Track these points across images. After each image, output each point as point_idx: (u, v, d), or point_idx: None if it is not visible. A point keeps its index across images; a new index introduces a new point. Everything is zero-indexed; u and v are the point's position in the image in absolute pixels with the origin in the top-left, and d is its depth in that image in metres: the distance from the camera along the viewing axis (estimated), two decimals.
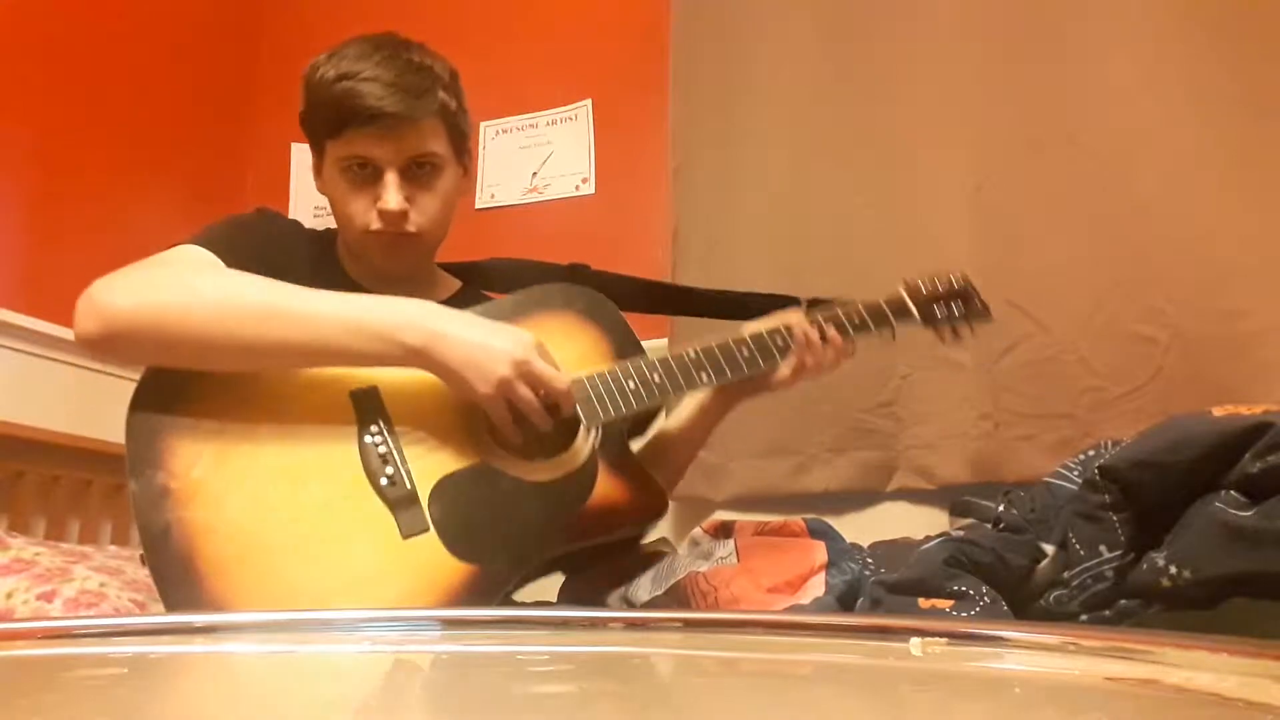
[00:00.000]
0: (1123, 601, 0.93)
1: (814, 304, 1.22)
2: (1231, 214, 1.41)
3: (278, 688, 0.49)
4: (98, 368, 1.96)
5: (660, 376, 1.06)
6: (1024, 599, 1.01)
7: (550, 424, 0.99)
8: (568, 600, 1.15)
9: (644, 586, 1.12)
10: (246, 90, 2.35)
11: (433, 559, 0.92)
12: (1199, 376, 1.38)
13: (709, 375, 1.10)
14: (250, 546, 0.90)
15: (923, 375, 1.56)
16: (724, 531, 1.20)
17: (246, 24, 2.46)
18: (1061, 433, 1.45)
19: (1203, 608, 0.84)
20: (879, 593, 0.99)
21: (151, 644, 0.57)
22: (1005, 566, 1.01)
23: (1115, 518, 0.95)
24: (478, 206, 2.10)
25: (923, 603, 0.95)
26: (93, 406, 1.89)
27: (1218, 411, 0.93)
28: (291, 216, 1.24)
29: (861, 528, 1.47)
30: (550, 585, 1.20)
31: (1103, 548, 0.95)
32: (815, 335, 1.16)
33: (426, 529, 0.93)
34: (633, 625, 0.63)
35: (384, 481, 0.94)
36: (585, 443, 1.03)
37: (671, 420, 1.27)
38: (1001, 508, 1.10)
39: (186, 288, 0.98)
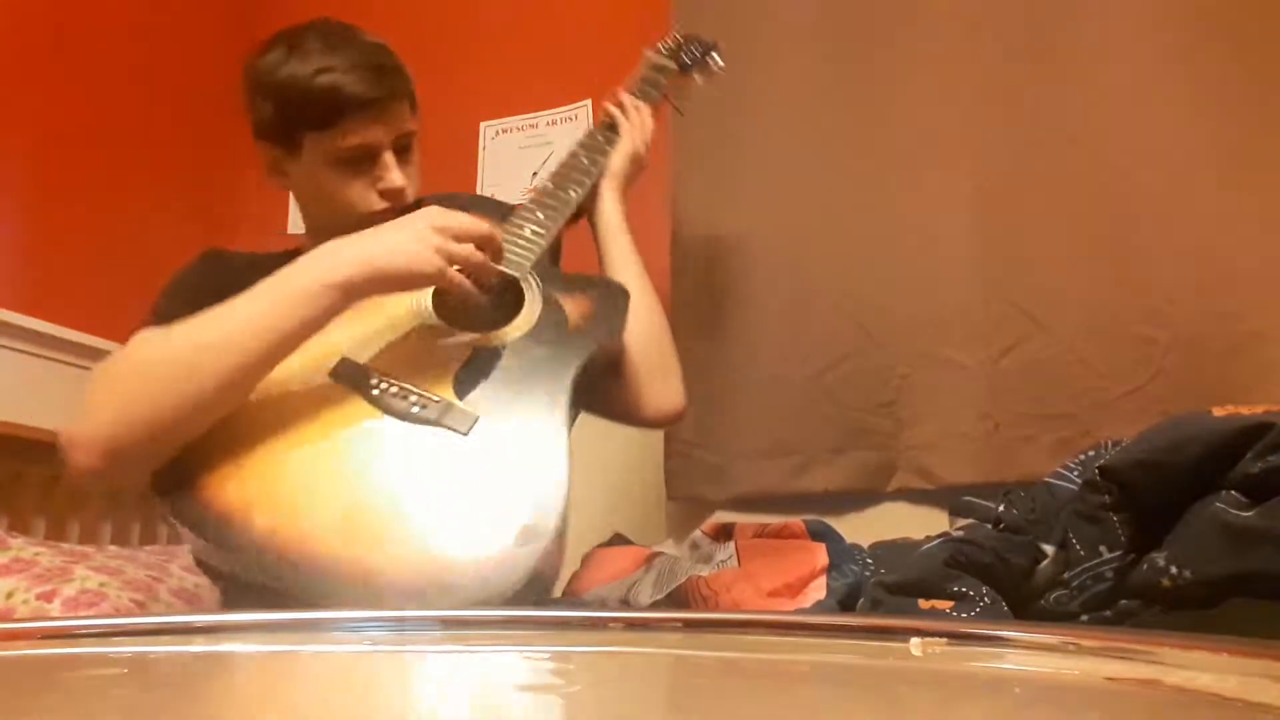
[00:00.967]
0: (1123, 601, 0.93)
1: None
2: (1232, 214, 1.41)
3: (278, 688, 0.49)
4: None
5: (543, 211, 1.19)
6: (1024, 599, 1.01)
7: (497, 271, 1.05)
8: (569, 600, 1.16)
9: (645, 590, 1.12)
10: None
11: (497, 435, 0.96)
12: (1199, 376, 1.38)
13: (575, 188, 1.25)
14: (359, 530, 0.89)
15: (923, 375, 1.56)
16: (724, 534, 1.20)
17: (246, 24, 2.46)
18: (1061, 433, 1.45)
19: (1203, 608, 0.85)
20: (879, 593, 0.99)
21: (151, 644, 0.57)
22: (1005, 567, 1.01)
23: (1115, 518, 0.95)
24: None
25: (923, 603, 0.96)
26: None
27: (1218, 411, 0.93)
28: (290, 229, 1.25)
29: (861, 528, 1.47)
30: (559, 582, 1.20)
31: (1103, 548, 0.95)
32: (627, 104, 1.39)
33: (477, 418, 0.96)
34: (633, 625, 0.63)
35: (416, 410, 0.96)
36: (532, 291, 1.10)
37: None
38: (1001, 508, 1.10)
39: (140, 380, 0.95)
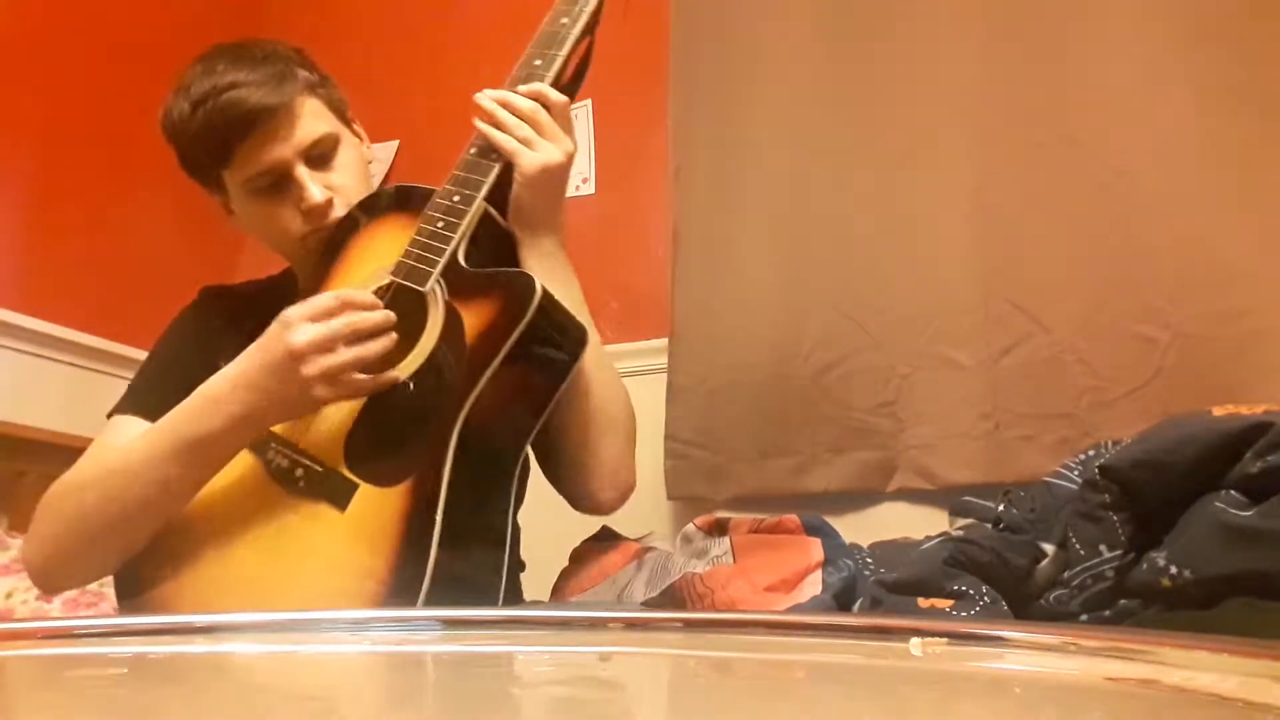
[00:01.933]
0: (1123, 601, 0.93)
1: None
2: (1232, 214, 1.41)
3: (278, 688, 0.49)
4: (98, 368, 1.96)
5: (453, 198, 1.00)
6: (1024, 599, 1.01)
7: (388, 339, 0.92)
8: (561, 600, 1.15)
9: (638, 589, 1.11)
10: None
11: (375, 505, 0.91)
12: (1199, 376, 1.38)
13: (480, 171, 1.02)
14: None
15: (923, 375, 1.56)
16: (719, 529, 1.20)
17: (247, 25, 2.45)
18: (1061, 433, 1.45)
19: (1203, 608, 0.84)
20: (878, 592, 0.99)
21: (151, 644, 0.57)
22: (1005, 566, 1.01)
23: (1115, 517, 0.95)
24: None
25: (922, 603, 0.95)
26: (93, 406, 1.88)
27: (1218, 411, 0.93)
28: None
29: (861, 528, 1.47)
30: (544, 582, 1.20)
31: (1103, 547, 0.95)
32: (487, 107, 1.05)
33: (355, 487, 0.91)
34: (633, 625, 0.63)
35: (300, 484, 0.93)
36: (436, 305, 0.96)
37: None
38: (1001, 508, 1.10)
39: (58, 516, 1.00)
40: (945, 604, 0.95)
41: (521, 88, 1.04)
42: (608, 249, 1.85)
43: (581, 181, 2.03)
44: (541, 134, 1.02)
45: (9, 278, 1.85)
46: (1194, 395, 1.32)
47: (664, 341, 1.73)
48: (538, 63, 1.06)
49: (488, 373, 0.92)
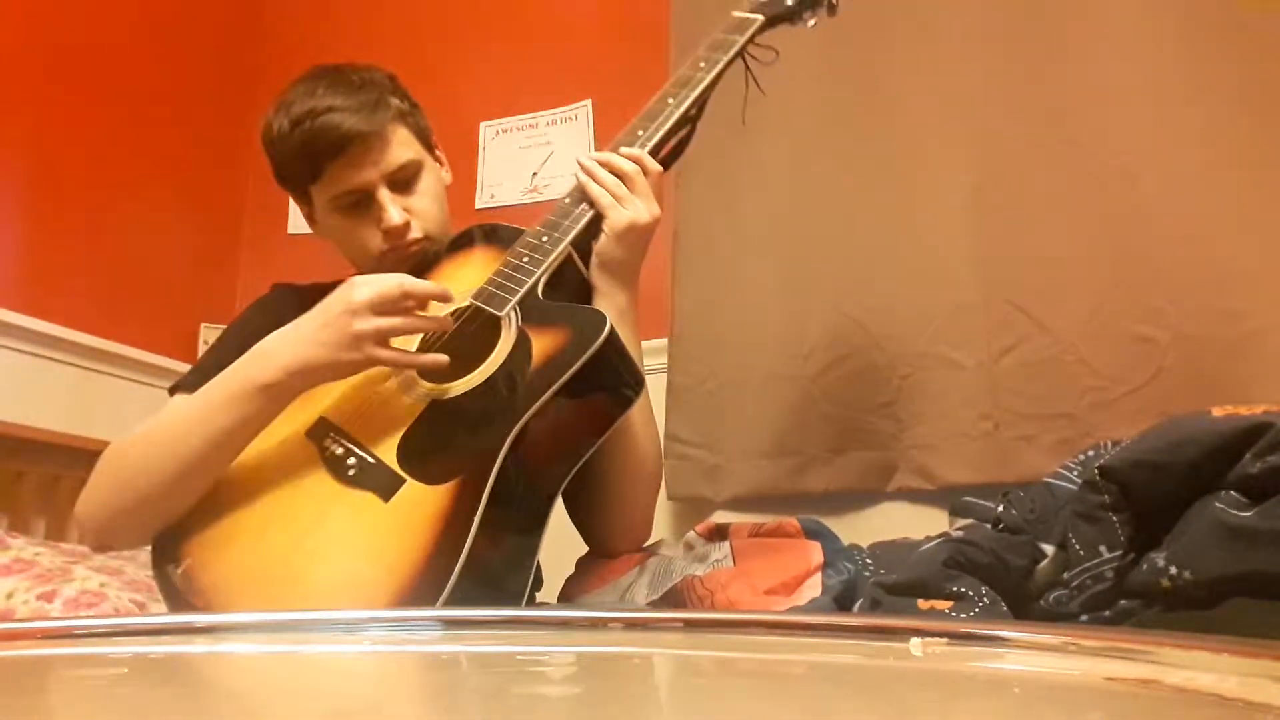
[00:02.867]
0: (1123, 602, 0.93)
1: None
2: (1231, 214, 1.41)
3: (278, 688, 0.49)
4: (98, 368, 1.96)
5: (542, 238, 1.08)
6: (1023, 599, 1.01)
7: (439, 321, 1.01)
8: (568, 600, 1.15)
9: (640, 591, 1.11)
10: (246, 91, 2.36)
11: (417, 500, 0.94)
12: (1199, 376, 1.38)
13: (571, 218, 1.10)
14: (258, 586, 0.95)
15: (923, 375, 1.56)
16: (719, 534, 1.20)
17: (246, 24, 2.46)
18: (1061, 433, 1.45)
19: (1203, 608, 0.84)
20: (878, 594, 0.99)
21: (151, 644, 0.57)
22: (1004, 567, 1.01)
23: (1115, 518, 0.95)
24: (478, 206, 2.10)
25: (922, 604, 0.95)
26: (93, 406, 1.89)
27: (1217, 411, 0.93)
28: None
29: (861, 528, 1.47)
30: (552, 587, 1.20)
31: (1102, 548, 0.95)
32: (589, 167, 1.11)
33: (403, 482, 0.95)
34: (633, 625, 0.63)
35: (351, 473, 0.97)
36: (509, 329, 1.03)
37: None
38: (1001, 508, 1.10)
39: (114, 475, 1.04)
40: (945, 605, 0.94)
41: (624, 149, 1.12)
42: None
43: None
44: (634, 193, 1.10)
45: (9, 278, 1.85)
46: (1194, 395, 1.32)
47: (664, 341, 1.73)
48: (640, 132, 1.14)
49: (547, 394, 0.96)
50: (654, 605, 1.07)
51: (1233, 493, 0.87)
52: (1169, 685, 0.45)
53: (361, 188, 1.12)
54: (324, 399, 1.04)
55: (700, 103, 1.16)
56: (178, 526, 1.00)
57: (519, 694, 0.44)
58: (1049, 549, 1.02)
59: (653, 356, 1.75)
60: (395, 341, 1.00)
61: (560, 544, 1.22)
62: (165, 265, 2.16)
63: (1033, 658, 0.52)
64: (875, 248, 1.62)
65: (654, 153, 1.12)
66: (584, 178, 1.11)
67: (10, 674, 0.51)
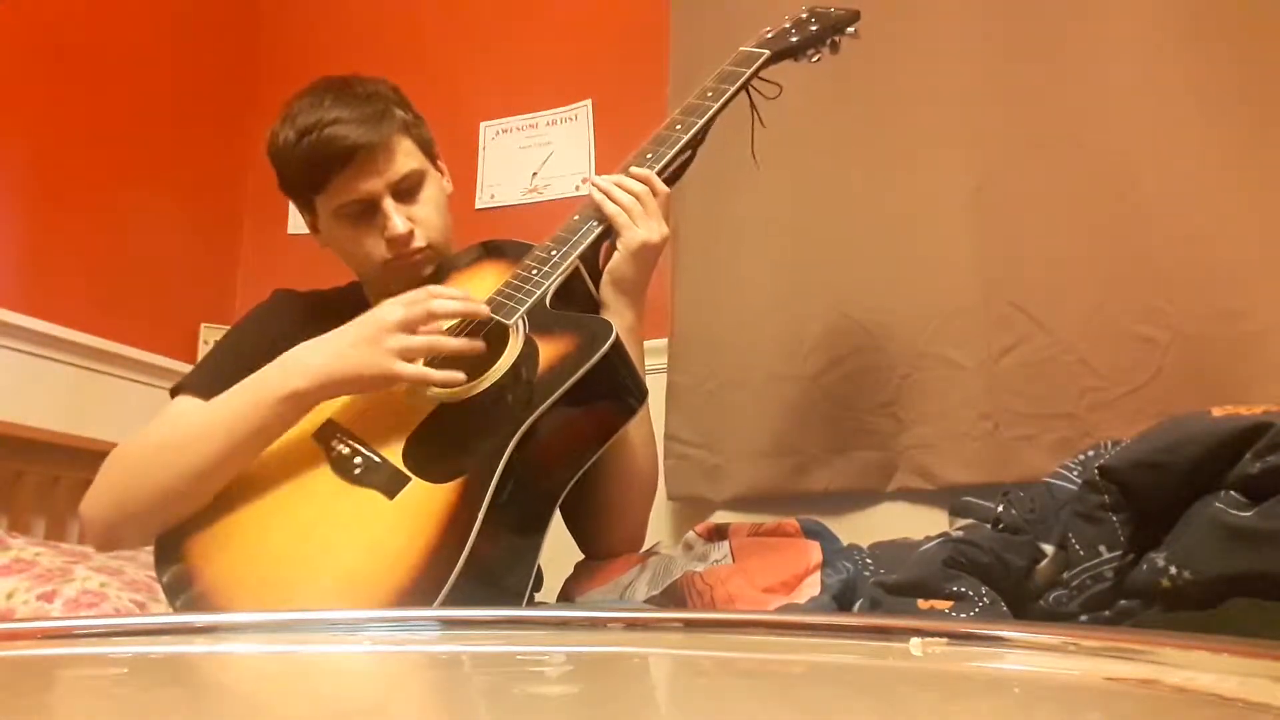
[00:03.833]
0: (1122, 601, 0.93)
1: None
2: (1231, 214, 1.41)
3: (278, 688, 0.49)
4: (98, 368, 1.96)
5: (551, 251, 1.11)
6: (1023, 599, 1.01)
7: (468, 343, 1.02)
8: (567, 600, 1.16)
9: (640, 589, 1.12)
10: (246, 91, 2.36)
11: (422, 498, 0.96)
12: (1199, 376, 1.38)
13: (581, 233, 1.13)
14: (258, 582, 0.96)
15: (923, 375, 1.56)
16: (718, 534, 1.20)
17: (246, 24, 2.46)
18: (1061, 433, 1.45)
19: (1203, 608, 0.84)
20: (878, 594, 0.99)
21: (151, 644, 0.57)
22: (1004, 567, 1.01)
23: (1115, 518, 0.95)
24: (478, 206, 2.10)
25: (922, 604, 0.95)
26: (93, 406, 1.89)
27: (1217, 411, 0.93)
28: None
29: (861, 528, 1.47)
30: (551, 587, 1.20)
31: (1102, 548, 0.95)
32: (604, 185, 1.14)
33: (408, 481, 0.97)
34: (633, 625, 0.63)
35: (357, 472, 0.99)
36: (517, 337, 1.05)
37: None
38: (1001, 508, 1.10)
39: (126, 473, 1.04)
40: (945, 605, 0.95)
41: (634, 169, 1.15)
42: (607, 249, 1.85)
43: (581, 181, 2.04)
44: (646, 213, 1.13)
45: (9, 278, 1.85)
46: (1194, 395, 1.32)
47: (664, 342, 1.73)
48: (649, 155, 1.18)
49: (553, 398, 0.98)
50: (654, 600, 1.07)
51: (1233, 493, 0.87)
52: (1169, 685, 0.45)
53: (366, 197, 1.13)
54: (332, 403, 1.05)
55: (705, 129, 1.20)
56: (182, 525, 1.01)
57: (519, 694, 0.44)
58: (1049, 549, 1.02)
59: (653, 356, 1.75)
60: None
61: (560, 544, 1.23)
62: (165, 265, 2.16)
63: (1033, 658, 0.52)
64: (875, 248, 1.62)
65: (660, 175, 1.16)
66: (599, 196, 1.14)
67: (10, 674, 0.51)
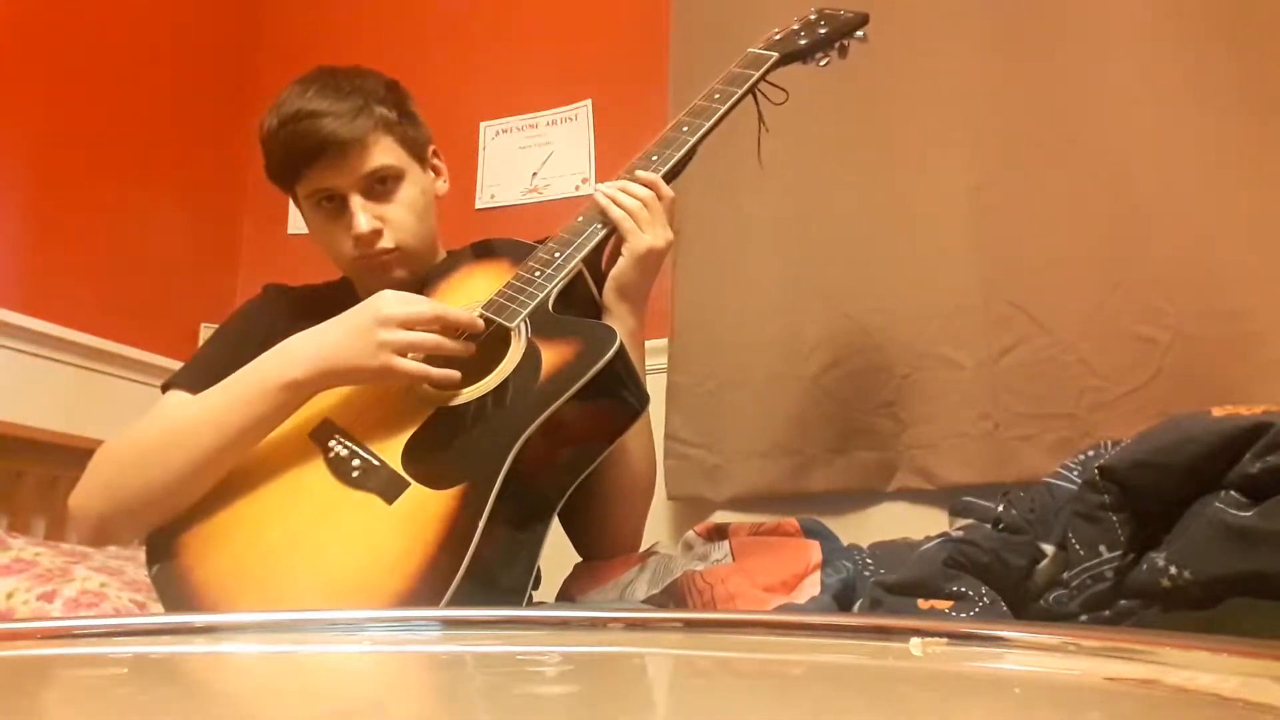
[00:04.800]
0: (1122, 601, 0.93)
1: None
2: (1231, 214, 1.41)
3: (278, 688, 0.49)
4: (98, 368, 1.96)
5: (555, 253, 1.10)
6: (1023, 599, 1.01)
7: (465, 345, 1.02)
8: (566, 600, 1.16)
9: (640, 588, 1.12)
10: (246, 90, 2.35)
11: (422, 503, 0.95)
12: (1199, 376, 1.38)
13: (585, 236, 1.12)
14: (252, 583, 0.95)
15: (923, 375, 1.56)
16: (718, 533, 1.20)
17: (246, 24, 2.46)
18: (1061, 433, 1.45)
19: (1203, 608, 0.84)
20: (878, 593, 0.99)
21: (151, 644, 0.57)
22: (1004, 567, 1.01)
23: (1115, 518, 0.95)
24: (478, 206, 2.10)
25: (922, 604, 0.95)
26: (93, 406, 1.89)
27: (1217, 411, 0.93)
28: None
29: (862, 528, 1.47)
30: (550, 588, 1.20)
31: (1102, 548, 0.95)
32: (609, 191, 1.13)
33: (407, 486, 0.96)
34: (633, 625, 0.63)
35: (355, 474, 0.98)
36: (519, 340, 1.04)
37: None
38: (1001, 508, 1.10)
39: (119, 467, 1.04)
40: (945, 605, 0.94)
41: (640, 173, 1.14)
42: (610, 250, 1.85)
43: (581, 181, 2.04)
44: (652, 218, 1.12)
45: (9, 278, 1.85)
46: (1194, 395, 1.32)
47: (664, 341, 1.73)
48: (654, 158, 1.16)
49: (555, 404, 0.97)
50: (654, 599, 1.07)
51: (1233, 493, 0.87)
52: (1169, 685, 0.45)
53: (334, 191, 1.13)
54: (328, 400, 1.04)
55: (707, 133, 1.19)
56: (173, 522, 1.00)
57: (519, 694, 0.44)
58: (1049, 549, 1.02)
59: (653, 356, 1.75)
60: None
61: (560, 545, 1.23)
62: (165, 265, 2.16)
63: (1033, 658, 0.52)
64: (875, 248, 1.62)
65: (665, 178, 1.14)
66: (605, 202, 1.12)
67: (10, 674, 0.51)
